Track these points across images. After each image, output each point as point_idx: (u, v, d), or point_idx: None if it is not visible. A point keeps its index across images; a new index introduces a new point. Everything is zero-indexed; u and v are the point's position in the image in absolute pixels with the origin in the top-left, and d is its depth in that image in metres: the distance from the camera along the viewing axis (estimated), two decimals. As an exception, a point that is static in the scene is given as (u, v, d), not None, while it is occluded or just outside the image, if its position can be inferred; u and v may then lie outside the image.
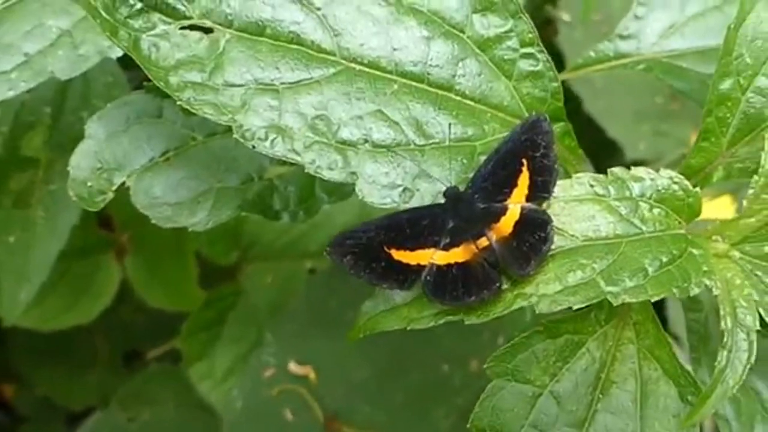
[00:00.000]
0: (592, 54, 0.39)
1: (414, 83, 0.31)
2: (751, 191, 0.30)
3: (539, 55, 0.32)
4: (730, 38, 0.31)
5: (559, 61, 0.55)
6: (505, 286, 0.30)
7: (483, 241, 0.30)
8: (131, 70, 0.47)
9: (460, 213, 0.30)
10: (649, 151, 0.69)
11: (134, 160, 0.35)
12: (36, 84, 0.36)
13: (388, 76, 0.31)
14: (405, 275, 0.30)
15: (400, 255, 0.30)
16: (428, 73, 0.31)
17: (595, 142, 0.69)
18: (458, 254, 0.30)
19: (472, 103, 0.32)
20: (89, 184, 0.34)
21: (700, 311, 0.34)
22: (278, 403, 0.52)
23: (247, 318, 0.56)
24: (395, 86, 0.31)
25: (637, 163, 0.69)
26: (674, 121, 0.70)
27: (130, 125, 0.35)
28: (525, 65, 0.32)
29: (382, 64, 0.31)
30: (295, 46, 0.30)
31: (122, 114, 0.35)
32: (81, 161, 0.34)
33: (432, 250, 0.30)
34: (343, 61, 0.31)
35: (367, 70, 0.31)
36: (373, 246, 0.30)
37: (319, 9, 0.31)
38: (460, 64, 0.32)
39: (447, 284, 0.30)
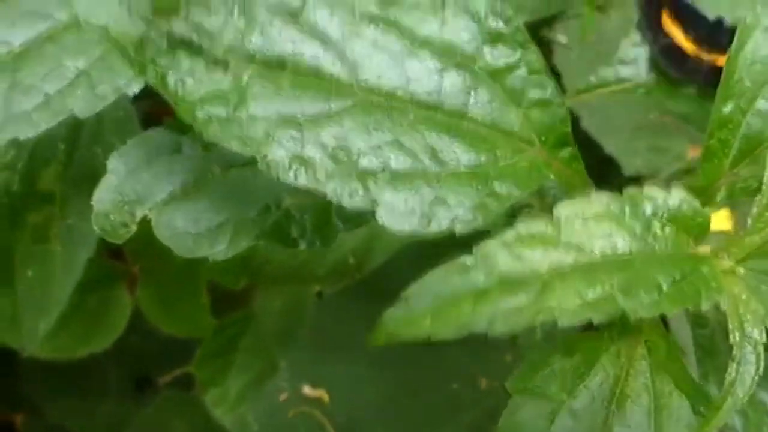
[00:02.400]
0: (593, 79, 0.40)
1: (429, 113, 0.32)
2: (754, 210, 0.32)
3: (547, 83, 0.34)
4: (731, 63, 0.33)
5: (556, 81, 0.56)
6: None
7: None
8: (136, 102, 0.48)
9: None
10: (645, 167, 0.70)
11: (155, 194, 0.36)
12: (55, 123, 0.37)
13: (404, 106, 0.32)
14: None
15: None
16: (442, 103, 0.33)
17: (593, 159, 0.70)
18: None
19: (484, 131, 0.33)
20: (112, 217, 0.35)
21: (707, 327, 0.36)
22: (293, 426, 0.52)
23: (259, 343, 0.57)
24: (411, 116, 0.32)
25: (635, 179, 0.70)
26: (669, 136, 0.72)
27: (150, 160, 0.36)
28: (534, 93, 0.33)
29: (398, 95, 0.32)
30: (315, 80, 0.32)
31: (142, 150, 0.36)
32: (104, 196, 0.35)
33: None
34: (361, 94, 0.32)
35: (384, 101, 0.32)
36: None
37: (337, 44, 0.32)
38: (472, 93, 0.33)
39: None
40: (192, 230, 0.36)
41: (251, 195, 0.37)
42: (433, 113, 0.33)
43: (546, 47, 0.64)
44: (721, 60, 0.35)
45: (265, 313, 0.58)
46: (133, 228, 0.35)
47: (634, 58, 0.40)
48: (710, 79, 0.40)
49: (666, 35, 0.39)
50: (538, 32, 0.59)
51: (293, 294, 0.57)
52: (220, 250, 0.36)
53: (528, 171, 0.33)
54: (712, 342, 0.36)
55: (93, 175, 0.37)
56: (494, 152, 0.33)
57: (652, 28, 0.40)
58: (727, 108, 0.33)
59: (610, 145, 0.72)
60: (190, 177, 0.36)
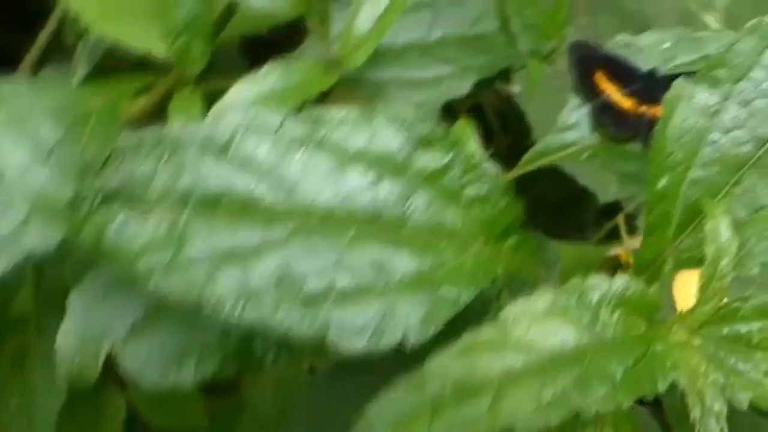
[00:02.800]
0: (538, 149, 0.40)
1: (369, 226, 0.33)
2: (701, 282, 0.32)
3: (485, 179, 0.34)
4: (659, 138, 0.33)
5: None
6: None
7: None
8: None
9: None
10: (620, 194, 0.70)
11: (116, 329, 0.36)
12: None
13: (344, 224, 0.33)
14: None
15: None
16: (380, 214, 0.33)
17: (568, 191, 0.70)
18: None
19: (426, 236, 0.33)
20: (76, 361, 0.36)
21: (674, 392, 0.36)
22: None
23: (254, 429, 0.57)
24: (351, 233, 0.32)
25: (611, 207, 0.70)
26: (640, 162, 0.72)
27: (107, 294, 0.37)
28: (472, 190, 0.34)
29: (336, 214, 0.33)
30: (251, 211, 0.32)
31: (99, 283, 0.37)
32: (64, 341, 0.36)
33: None
34: (299, 218, 0.32)
35: (322, 222, 0.32)
36: None
37: (268, 172, 0.32)
38: (410, 200, 0.33)
39: None
40: (157, 359, 0.36)
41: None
42: (374, 226, 0.33)
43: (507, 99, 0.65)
44: (661, 111, 0.35)
45: (257, 396, 0.58)
46: (98, 369, 0.36)
47: (576, 122, 0.41)
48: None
49: (602, 94, 0.40)
50: (493, 84, 0.59)
51: (284, 372, 0.58)
52: (187, 375, 0.36)
53: (474, 270, 0.33)
54: (683, 404, 0.37)
55: (65, 295, 0.37)
56: (439, 256, 0.33)
57: (587, 89, 0.40)
58: (663, 182, 0.33)
59: (583, 178, 0.73)
60: (149, 306, 0.37)
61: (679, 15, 0.62)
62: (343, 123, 0.33)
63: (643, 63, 0.41)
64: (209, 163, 0.32)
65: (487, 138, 0.65)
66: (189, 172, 0.31)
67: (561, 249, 0.46)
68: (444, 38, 0.49)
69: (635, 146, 0.40)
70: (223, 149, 0.32)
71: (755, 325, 0.32)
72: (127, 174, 0.31)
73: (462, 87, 0.48)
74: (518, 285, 0.36)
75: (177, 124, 0.32)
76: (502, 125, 0.69)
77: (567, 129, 0.40)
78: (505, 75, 0.56)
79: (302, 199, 0.32)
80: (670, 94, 0.33)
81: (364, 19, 0.43)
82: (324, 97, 0.43)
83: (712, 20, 0.61)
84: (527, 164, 0.41)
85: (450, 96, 0.48)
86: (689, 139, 0.33)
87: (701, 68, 0.33)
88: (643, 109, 0.39)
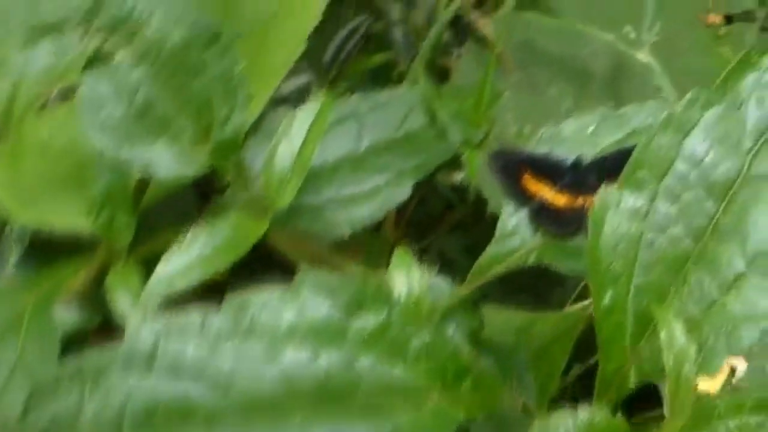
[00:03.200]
0: (482, 262, 0.39)
1: (316, 403, 0.31)
2: (666, 395, 0.31)
3: (428, 326, 0.33)
4: (593, 252, 0.32)
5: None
6: None
7: None
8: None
9: None
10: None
11: None
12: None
13: (290, 405, 0.31)
14: None
15: None
16: (327, 387, 0.32)
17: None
18: None
19: (378, 398, 0.32)
20: None
21: None
22: None
23: None
24: (299, 416, 0.31)
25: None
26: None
27: None
28: (416, 342, 0.32)
29: (278, 397, 0.31)
30: (188, 416, 0.31)
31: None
32: None
33: None
34: (239, 412, 0.31)
35: (265, 408, 0.31)
36: None
37: (201, 372, 0.31)
38: (354, 365, 0.32)
39: None
40: None
41: None
42: (322, 402, 0.31)
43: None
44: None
45: None
46: None
47: (516, 225, 0.39)
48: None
49: (534, 197, 0.39)
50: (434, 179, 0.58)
51: None
52: None
53: (435, 424, 0.32)
54: None
55: None
56: (396, 418, 0.32)
57: (518, 195, 0.39)
58: (608, 296, 0.32)
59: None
60: None
61: (610, 55, 0.60)
62: (267, 303, 0.31)
63: (570, 152, 0.40)
64: (137, 379, 0.30)
65: (447, 210, 0.64)
66: (117, 394, 0.30)
67: (539, 320, 0.44)
68: (373, 146, 0.48)
69: (578, 241, 0.39)
70: (148, 360, 0.30)
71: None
72: (50, 414, 0.29)
73: (401, 193, 0.47)
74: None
75: (94, 352, 0.30)
76: (459, 196, 0.67)
77: (508, 236, 0.39)
78: (448, 165, 0.55)
79: (240, 391, 0.31)
80: (596, 205, 0.32)
81: (283, 155, 0.42)
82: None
83: (642, 56, 0.60)
84: (476, 278, 0.39)
85: (392, 205, 0.47)
86: (625, 246, 0.32)
87: (625, 172, 0.32)
88: (580, 201, 0.38)
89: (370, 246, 0.52)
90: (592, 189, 0.35)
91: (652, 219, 0.32)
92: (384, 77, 0.60)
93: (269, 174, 0.41)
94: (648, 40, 0.59)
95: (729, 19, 0.56)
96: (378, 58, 0.59)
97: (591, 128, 0.40)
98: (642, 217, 0.32)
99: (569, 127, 0.40)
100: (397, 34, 0.60)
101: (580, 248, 0.37)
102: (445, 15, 0.55)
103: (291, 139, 0.42)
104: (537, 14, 0.57)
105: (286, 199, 0.41)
